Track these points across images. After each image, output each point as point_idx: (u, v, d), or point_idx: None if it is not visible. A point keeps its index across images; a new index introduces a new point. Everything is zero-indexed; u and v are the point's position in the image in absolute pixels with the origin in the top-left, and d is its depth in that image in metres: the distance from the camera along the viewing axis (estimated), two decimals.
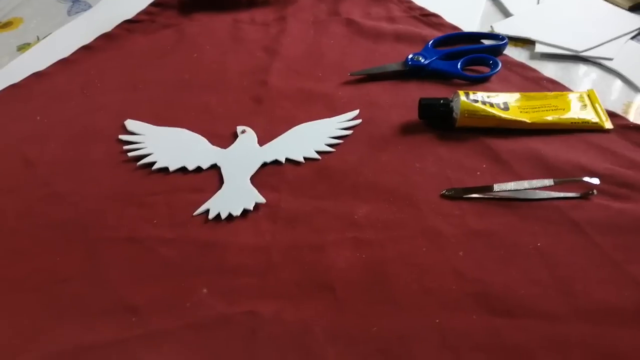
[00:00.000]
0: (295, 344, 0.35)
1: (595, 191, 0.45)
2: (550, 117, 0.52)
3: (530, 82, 0.59)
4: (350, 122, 0.55)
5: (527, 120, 0.51)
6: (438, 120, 0.53)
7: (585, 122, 0.52)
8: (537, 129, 0.51)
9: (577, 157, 0.48)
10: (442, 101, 0.52)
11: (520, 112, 0.52)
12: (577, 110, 0.53)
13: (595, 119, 0.52)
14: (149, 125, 0.57)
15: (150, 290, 0.40)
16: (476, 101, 0.52)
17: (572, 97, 0.54)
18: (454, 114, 0.52)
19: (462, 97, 0.52)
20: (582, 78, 0.60)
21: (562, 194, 0.45)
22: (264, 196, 0.47)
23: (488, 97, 0.53)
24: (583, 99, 0.54)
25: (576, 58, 0.62)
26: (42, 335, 0.38)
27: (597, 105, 0.53)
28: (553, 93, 0.55)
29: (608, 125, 0.52)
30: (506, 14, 0.70)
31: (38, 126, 0.60)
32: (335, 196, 0.47)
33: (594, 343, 0.34)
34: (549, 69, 0.61)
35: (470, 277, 0.39)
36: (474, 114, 0.51)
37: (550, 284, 0.38)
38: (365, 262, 0.41)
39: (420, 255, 0.41)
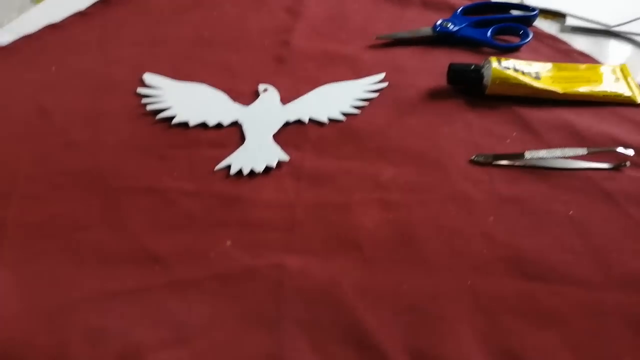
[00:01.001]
0: (324, 297, 0.34)
1: (628, 163, 0.44)
2: (582, 89, 0.50)
3: (561, 54, 0.57)
4: (376, 85, 0.53)
5: (559, 91, 0.50)
6: (468, 86, 0.52)
7: (617, 96, 0.50)
8: (569, 100, 0.50)
9: (610, 130, 0.47)
10: (473, 67, 0.51)
11: (552, 82, 0.51)
12: (609, 83, 0.51)
13: (628, 93, 0.51)
14: (168, 79, 0.56)
15: (173, 240, 0.39)
16: (508, 68, 0.50)
17: (605, 70, 0.53)
18: (484, 80, 0.50)
19: (494, 64, 0.50)
20: (613, 53, 0.58)
21: (594, 165, 0.44)
22: (287, 154, 0.46)
23: (520, 65, 0.52)
24: (615, 73, 0.53)
25: (607, 33, 0.61)
26: (62, 281, 0.37)
27: (629, 79, 0.52)
28: (585, 65, 0.54)
29: None
30: None
31: (53, 77, 0.58)
32: (360, 157, 0.46)
33: (629, 312, 0.33)
34: (579, 43, 0.59)
35: (501, 241, 0.38)
36: (505, 82, 0.49)
37: (583, 252, 0.37)
38: (393, 223, 0.40)
39: (449, 218, 0.40)
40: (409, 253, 0.37)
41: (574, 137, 0.47)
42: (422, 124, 0.49)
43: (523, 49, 0.57)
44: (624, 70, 0.53)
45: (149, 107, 0.52)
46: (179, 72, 0.57)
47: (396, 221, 0.40)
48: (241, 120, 0.50)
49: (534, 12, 0.61)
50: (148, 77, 0.56)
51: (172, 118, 0.50)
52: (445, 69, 0.52)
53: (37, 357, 0.32)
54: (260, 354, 0.31)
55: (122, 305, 0.35)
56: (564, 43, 0.59)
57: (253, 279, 0.36)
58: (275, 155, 0.46)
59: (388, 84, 0.54)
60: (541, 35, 0.59)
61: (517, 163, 0.44)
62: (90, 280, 0.36)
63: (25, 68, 0.59)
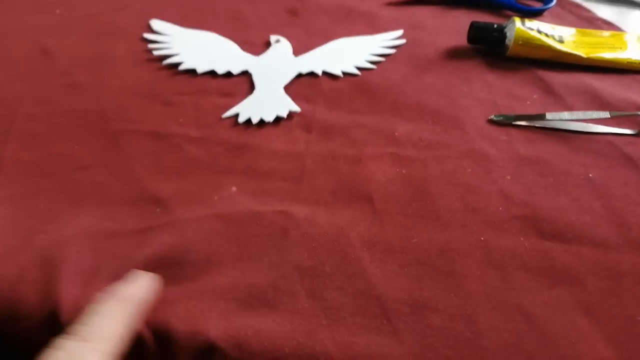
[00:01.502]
0: (330, 246, 0.33)
1: None
2: (606, 55, 0.48)
3: (584, 21, 0.55)
4: (394, 41, 0.52)
5: (583, 55, 0.48)
6: (489, 46, 0.50)
7: None
8: (592, 65, 0.48)
9: (633, 96, 0.45)
10: (495, 26, 0.49)
11: (576, 46, 0.49)
12: (634, 51, 0.50)
13: None
14: (176, 26, 0.54)
15: (176, 184, 0.37)
16: (531, 29, 0.48)
17: (629, 37, 0.51)
18: (506, 40, 0.48)
19: (518, 24, 0.48)
20: (637, 23, 0.56)
21: (615, 130, 0.42)
22: (298, 106, 0.44)
23: (544, 27, 0.50)
24: None
25: (632, 3, 0.59)
26: (58, 218, 0.35)
27: None
28: (609, 32, 0.52)
29: None
30: None
31: (58, 20, 0.56)
32: (374, 112, 0.44)
33: None
34: (603, 12, 0.57)
35: (517, 200, 0.36)
36: (528, 43, 0.48)
37: (602, 213, 0.36)
38: (406, 178, 0.38)
39: (464, 175, 0.38)
40: (421, 208, 0.36)
41: (596, 102, 0.45)
42: (439, 82, 0.47)
43: (546, 14, 0.55)
44: None
45: (155, 53, 0.50)
46: (188, 21, 0.55)
47: (409, 176, 0.38)
48: (251, 70, 0.48)
49: None
50: (156, 24, 0.54)
51: (179, 64, 0.49)
52: (466, 29, 0.51)
53: (27, 293, 0.30)
54: (252, 296, 0.30)
55: (119, 245, 0.33)
56: (588, 10, 0.57)
57: (257, 224, 0.34)
58: (285, 105, 0.44)
59: (405, 41, 0.52)
60: (565, 2, 0.57)
61: (537, 124, 0.42)
62: (87, 220, 0.35)
63: (28, 10, 0.57)
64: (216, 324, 0.29)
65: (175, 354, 0.28)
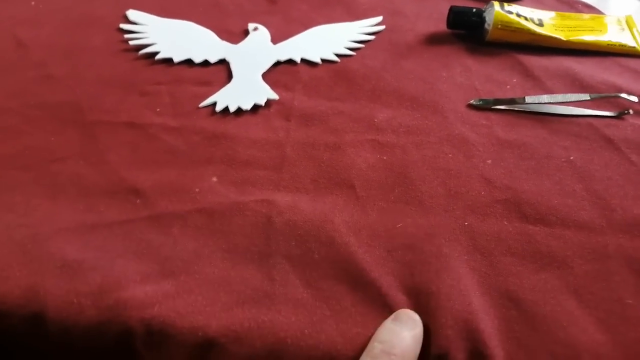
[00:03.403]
0: (315, 233, 0.32)
1: (631, 111, 0.42)
2: (586, 37, 0.49)
3: (564, 4, 0.55)
4: (373, 27, 0.51)
5: (563, 38, 0.48)
6: (468, 31, 0.49)
7: (622, 46, 0.49)
8: (571, 49, 0.48)
9: (613, 79, 0.45)
10: (474, 10, 0.48)
11: (556, 30, 0.49)
12: (614, 33, 0.50)
13: (632, 43, 0.49)
14: (153, 16, 0.53)
15: (155, 174, 0.37)
16: (510, 13, 0.48)
17: (609, 20, 0.51)
18: (485, 24, 0.48)
19: (497, 7, 0.48)
20: (617, 7, 0.56)
21: (595, 112, 0.42)
22: (276, 94, 0.44)
23: (523, 11, 0.49)
24: (620, 23, 0.51)
25: None
26: (37, 211, 0.34)
27: (634, 30, 0.50)
28: (589, 15, 0.52)
29: None
30: None
31: (32, 11, 0.55)
32: (353, 99, 0.44)
33: (632, 255, 0.32)
34: None
35: (499, 184, 0.36)
36: (507, 26, 0.47)
37: (585, 196, 0.36)
38: (387, 164, 0.38)
39: (445, 160, 0.38)
40: (403, 193, 0.36)
41: (576, 85, 0.45)
42: (419, 68, 0.47)
43: None
44: (629, 21, 0.51)
45: (131, 43, 0.49)
46: (165, 10, 0.54)
47: (390, 162, 0.38)
48: (229, 58, 0.47)
49: None
50: (132, 14, 0.53)
51: (155, 54, 0.48)
52: (445, 15, 0.50)
53: (10, 289, 0.29)
54: (249, 288, 0.30)
55: (101, 238, 0.32)
56: None
57: (241, 214, 0.34)
58: (264, 93, 0.43)
59: (385, 28, 0.51)
60: None
61: (517, 108, 0.42)
62: (67, 213, 0.34)
63: (3, 1, 0.56)
64: (217, 318, 0.28)
65: (172, 352, 0.28)
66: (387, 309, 0.29)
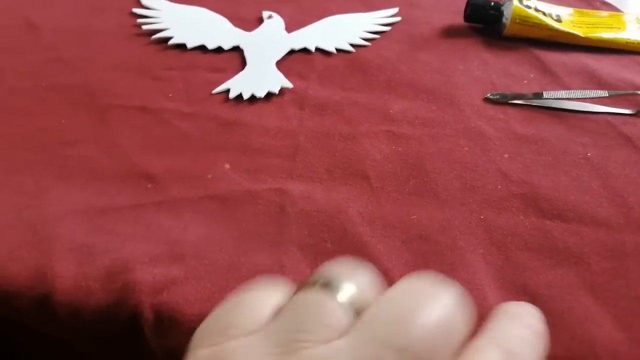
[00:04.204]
0: (329, 222, 0.32)
1: None
2: (605, 35, 0.48)
3: (582, 1, 0.55)
4: (389, 18, 0.50)
5: (581, 35, 0.47)
6: (485, 25, 0.49)
7: None
8: (589, 45, 0.48)
9: (631, 77, 0.45)
10: (492, 4, 0.48)
11: (574, 26, 0.48)
12: (632, 32, 0.49)
13: None
14: (166, 1, 0.52)
15: (167, 160, 0.36)
16: (529, 8, 0.47)
17: (628, 18, 0.51)
18: (503, 19, 0.48)
19: (515, 2, 0.47)
20: (637, 5, 0.56)
21: (613, 109, 0.42)
22: (290, 82, 0.43)
23: (541, 6, 0.49)
24: (639, 21, 0.50)
25: None
26: (48, 194, 0.34)
27: None
28: (607, 12, 0.51)
29: None
30: None
31: None
32: (368, 89, 0.43)
33: None
34: None
35: (516, 178, 0.36)
36: (525, 21, 0.47)
37: (602, 193, 0.35)
38: (402, 155, 0.37)
39: (461, 153, 0.38)
40: (418, 185, 0.35)
41: (594, 82, 0.44)
42: (435, 60, 0.46)
43: None
44: None
45: (144, 27, 0.49)
46: None
47: (405, 154, 0.38)
48: (243, 46, 0.47)
49: None
50: None
51: (168, 39, 0.47)
52: (462, 8, 0.50)
53: (19, 271, 0.29)
54: (258, 275, 0.29)
55: (111, 221, 0.32)
56: None
57: (253, 202, 0.33)
58: (277, 81, 0.43)
59: (401, 19, 0.51)
60: None
61: (534, 103, 0.42)
62: (78, 195, 0.34)
63: None
64: None
65: (180, 339, 0.27)
66: None
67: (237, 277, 0.29)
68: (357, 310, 0.14)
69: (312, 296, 0.15)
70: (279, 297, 0.16)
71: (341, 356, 0.13)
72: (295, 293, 0.15)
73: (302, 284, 0.15)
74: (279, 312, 0.15)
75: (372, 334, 0.13)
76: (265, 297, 0.16)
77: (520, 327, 0.17)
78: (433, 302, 0.14)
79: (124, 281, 0.28)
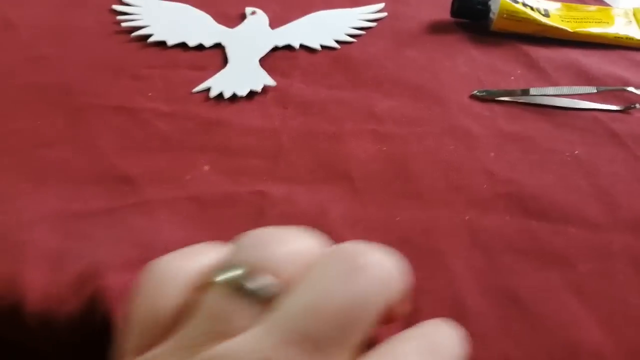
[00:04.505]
0: (309, 225, 0.31)
1: (637, 105, 0.41)
2: (593, 29, 0.47)
3: None
4: (375, 14, 0.50)
5: (569, 29, 0.47)
6: (472, 20, 0.48)
7: (629, 39, 0.47)
8: (578, 40, 0.47)
9: (619, 72, 0.44)
10: None
11: (562, 20, 0.47)
12: (621, 26, 0.48)
13: (639, 36, 0.48)
14: None
15: (145, 161, 0.35)
16: (517, 2, 0.47)
17: (616, 12, 0.50)
18: (491, 13, 0.47)
19: None
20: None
21: (601, 106, 0.41)
22: (273, 80, 0.42)
23: (529, 1, 0.48)
24: (628, 16, 0.50)
25: None
26: (20, 198, 0.33)
27: None
28: (595, 7, 0.51)
29: None
30: None
31: None
32: (353, 87, 0.42)
33: (638, 254, 0.31)
34: None
35: (502, 177, 0.35)
36: (513, 16, 0.46)
37: (589, 192, 0.34)
38: (387, 155, 0.37)
39: (447, 152, 0.37)
40: (403, 186, 0.34)
41: (582, 78, 0.44)
42: (421, 57, 0.45)
43: None
44: (636, 13, 0.50)
45: (124, 25, 0.48)
46: None
47: (390, 153, 0.37)
48: (225, 43, 0.46)
49: None
50: None
51: (148, 37, 0.46)
52: (449, 3, 0.49)
53: None
54: None
55: (85, 225, 0.31)
56: None
57: (232, 205, 0.32)
58: (260, 79, 0.42)
59: (387, 14, 0.50)
60: None
61: (522, 100, 0.41)
62: (51, 199, 0.33)
63: None
64: None
65: None
66: None
67: None
68: (270, 298, 0.14)
69: (218, 300, 0.14)
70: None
71: (241, 350, 0.13)
72: (205, 287, 0.15)
73: (215, 270, 0.15)
74: (188, 315, 0.14)
75: (276, 325, 0.13)
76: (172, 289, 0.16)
77: (445, 331, 0.16)
78: (346, 286, 0.14)
79: (95, 287, 0.27)
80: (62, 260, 0.29)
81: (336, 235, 0.30)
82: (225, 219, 0.32)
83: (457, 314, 0.27)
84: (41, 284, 0.28)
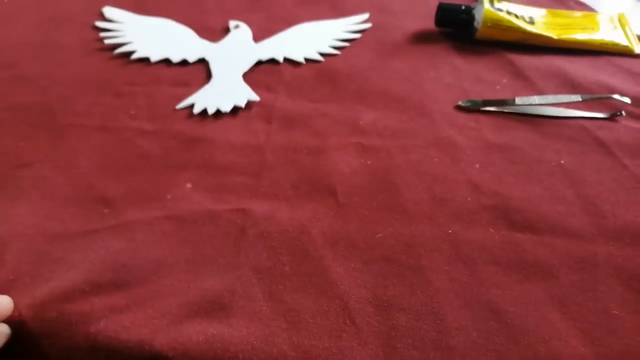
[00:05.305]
0: (290, 245, 0.31)
1: (623, 112, 0.41)
2: (578, 36, 0.47)
3: (556, 1, 0.54)
4: (359, 25, 0.49)
5: (554, 37, 0.46)
6: (457, 29, 0.48)
7: (614, 45, 0.47)
8: (563, 47, 0.47)
9: (605, 79, 0.44)
10: (463, 7, 0.47)
11: (547, 28, 0.47)
12: (606, 32, 0.48)
13: (625, 42, 0.47)
14: (130, 13, 0.51)
15: (125, 181, 0.35)
16: (500, 10, 0.46)
17: (602, 18, 0.50)
18: (475, 22, 0.47)
19: (486, 5, 0.46)
20: (610, 4, 0.55)
21: (588, 114, 0.41)
22: (257, 95, 0.42)
23: (513, 8, 0.48)
24: (613, 22, 0.49)
25: None
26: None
27: (627, 28, 0.49)
28: (581, 13, 0.51)
29: (638, 49, 0.47)
30: None
31: (4, 8, 0.53)
32: (338, 100, 0.42)
33: (621, 265, 0.30)
34: None
35: (487, 190, 0.35)
36: (497, 24, 0.46)
37: (575, 202, 0.34)
38: (371, 169, 0.36)
39: (432, 165, 0.37)
40: (386, 200, 0.34)
41: (568, 85, 0.43)
42: (406, 68, 0.45)
43: None
44: (621, 19, 0.50)
45: (107, 42, 0.47)
46: (142, 6, 0.52)
47: (374, 167, 0.36)
48: (208, 58, 0.45)
49: None
50: (108, 11, 0.51)
51: (131, 53, 0.46)
52: (434, 12, 0.49)
53: None
54: (205, 301, 0.28)
55: (60, 248, 0.30)
56: None
57: (213, 223, 0.32)
58: (244, 94, 0.42)
59: (372, 25, 0.50)
60: None
61: (507, 109, 0.41)
62: (27, 219, 0.32)
63: None
64: (164, 331, 0.26)
65: None
66: (349, 321, 0.27)
67: (182, 302, 0.28)
68: None
69: None
70: None
71: None
72: None
73: None
74: None
75: None
76: None
77: None
78: None
79: (59, 311, 0.27)
80: (34, 283, 0.28)
81: (317, 254, 0.30)
82: (203, 238, 0.31)
83: (437, 329, 0.27)
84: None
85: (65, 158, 0.37)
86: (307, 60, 0.46)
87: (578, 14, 0.50)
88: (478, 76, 0.44)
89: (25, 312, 0.27)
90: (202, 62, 0.46)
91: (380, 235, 0.32)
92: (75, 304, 0.27)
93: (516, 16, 0.47)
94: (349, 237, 0.32)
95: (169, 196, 0.34)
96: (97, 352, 0.26)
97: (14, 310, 0.27)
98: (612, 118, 0.40)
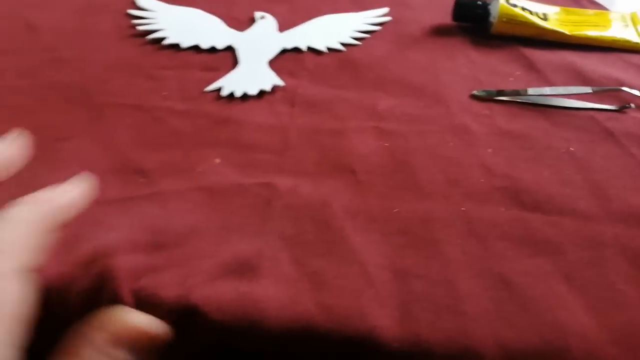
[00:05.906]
0: (312, 216, 0.33)
1: (632, 105, 0.42)
2: (590, 33, 0.49)
3: (569, 0, 0.55)
4: (379, 18, 0.52)
5: (567, 32, 0.48)
6: (473, 24, 0.50)
7: (626, 42, 0.49)
8: (575, 43, 0.49)
9: (615, 74, 0.46)
10: (480, 3, 0.49)
11: (560, 24, 0.49)
12: (618, 29, 0.50)
13: (636, 40, 0.49)
14: (161, 2, 0.54)
15: (159, 155, 0.37)
16: (515, 6, 0.48)
17: (614, 16, 0.52)
18: (490, 17, 0.49)
19: (502, 1, 0.48)
20: (623, 3, 0.57)
21: (597, 105, 0.42)
22: (282, 80, 0.44)
23: (528, 5, 0.50)
24: (625, 20, 0.51)
25: None
26: (39, 185, 0.35)
27: (638, 27, 0.51)
28: (593, 11, 0.52)
29: None
30: None
31: None
32: (357, 87, 0.44)
33: (627, 244, 0.32)
34: None
35: (499, 172, 0.37)
36: (512, 19, 0.48)
37: (583, 186, 0.36)
38: (388, 150, 0.38)
39: (446, 148, 0.39)
40: (403, 179, 0.36)
41: (579, 79, 0.45)
42: (423, 59, 0.47)
43: None
44: (634, 17, 0.52)
45: (139, 28, 0.50)
46: None
47: (392, 149, 0.38)
48: (235, 45, 0.48)
49: None
50: (141, 0, 0.54)
51: (162, 39, 0.48)
52: (451, 7, 0.51)
53: None
54: (237, 262, 0.30)
55: (100, 212, 0.33)
56: None
57: (240, 195, 0.34)
58: (269, 79, 0.44)
59: (391, 19, 0.52)
60: None
61: (520, 99, 0.43)
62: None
63: None
64: (200, 288, 0.29)
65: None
66: (368, 284, 0.29)
67: (215, 263, 0.30)
68: None
69: None
70: None
71: None
72: None
73: None
74: None
75: None
76: None
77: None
78: None
79: (102, 267, 0.29)
80: (76, 243, 0.31)
81: (338, 225, 0.32)
82: (232, 208, 0.33)
83: (450, 295, 0.29)
84: (55, 265, 0.30)
85: (103, 133, 0.39)
86: (329, 49, 0.48)
87: (591, 12, 0.52)
88: (492, 68, 0.46)
89: (75, 270, 0.29)
90: (230, 49, 0.48)
91: (397, 210, 0.34)
92: (117, 261, 0.29)
93: (530, 12, 0.49)
94: (368, 211, 0.34)
95: (199, 169, 0.36)
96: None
97: (64, 268, 0.29)
98: (621, 110, 0.42)
